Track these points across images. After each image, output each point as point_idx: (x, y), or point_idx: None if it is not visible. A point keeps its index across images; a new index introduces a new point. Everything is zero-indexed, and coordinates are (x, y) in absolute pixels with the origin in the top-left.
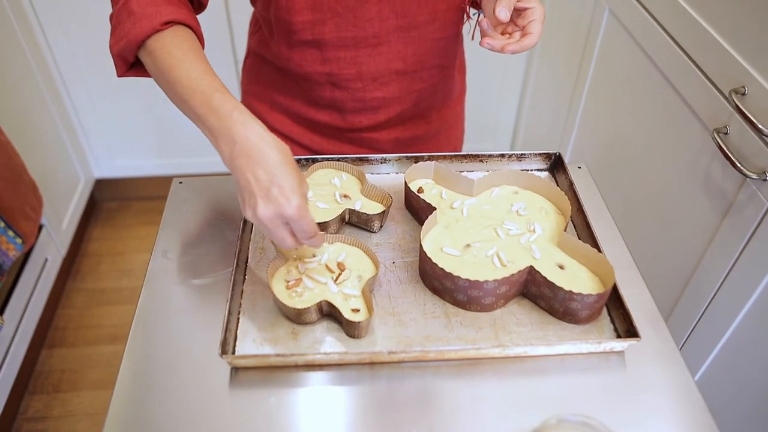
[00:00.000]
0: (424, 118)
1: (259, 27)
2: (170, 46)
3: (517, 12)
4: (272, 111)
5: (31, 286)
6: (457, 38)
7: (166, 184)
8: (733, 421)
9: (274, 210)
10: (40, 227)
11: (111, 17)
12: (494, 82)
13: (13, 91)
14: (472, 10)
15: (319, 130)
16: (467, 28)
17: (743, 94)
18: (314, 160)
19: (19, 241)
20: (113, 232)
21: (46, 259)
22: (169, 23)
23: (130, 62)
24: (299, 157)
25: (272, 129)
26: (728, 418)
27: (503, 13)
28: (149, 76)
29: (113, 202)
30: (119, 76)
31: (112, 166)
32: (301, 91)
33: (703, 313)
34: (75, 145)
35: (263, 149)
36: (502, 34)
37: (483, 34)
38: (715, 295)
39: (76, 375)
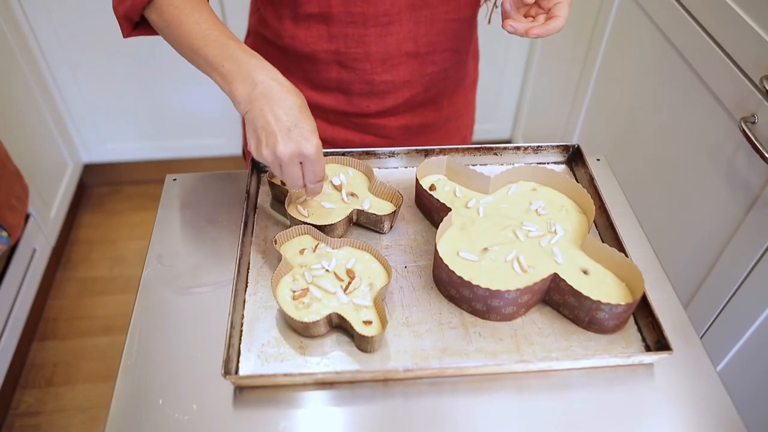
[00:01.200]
0: (435, 105)
1: (255, 2)
2: (178, 1)
3: None
4: None
5: (19, 277)
6: (472, 22)
7: (157, 168)
8: (750, 419)
9: (294, 148)
10: (27, 216)
11: None
12: (496, 60)
13: None
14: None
15: (325, 115)
16: (483, 12)
17: None
18: None
19: (4, 234)
20: (104, 218)
21: (35, 249)
22: None
23: (135, 22)
24: None
25: None
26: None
27: (514, 26)
28: (155, 34)
29: (103, 188)
30: (125, 37)
31: (101, 150)
32: (305, 73)
33: (720, 311)
34: (61, 129)
35: (283, 92)
36: (525, 16)
37: (505, 16)
38: (735, 292)
39: (69, 368)
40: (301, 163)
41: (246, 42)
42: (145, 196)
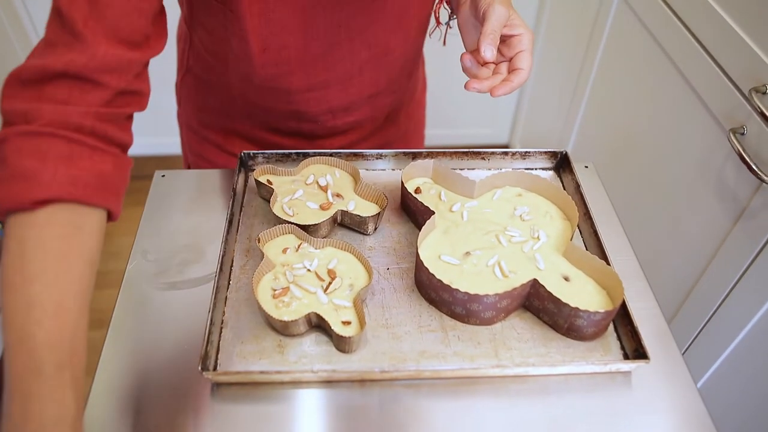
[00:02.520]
0: (394, 123)
1: (192, 47)
2: (27, 247)
3: (502, 39)
4: (226, 136)
5: None
6: (423, 44)
7: (152, 164)
8: (734, 428)
9: None
10: None
11: None
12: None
13: None
14: (442, 12)
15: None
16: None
17: (765, 93)
18: (305, 155)
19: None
20: None
21: None
22: (45, 202)
23: None
24: (290, 151)
25: (228, 153)
26: (727, 428)
27: (489, 53)
28: None
29: None
30: None
31: None
32: (261, 121)
33: (707, 322)
34: None
35: None
36: (483, 64)
37: (467, 73)
38: (721, 303)
39: None
40: None
41: (183, 82)
42: (139, 192)
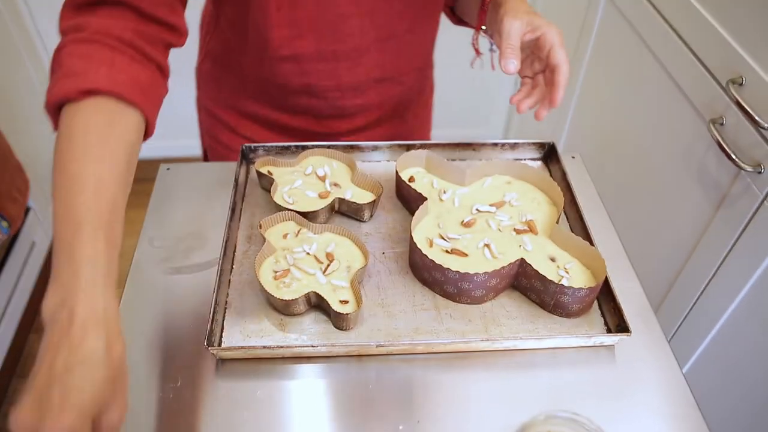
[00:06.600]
0: (402, 118)
1: (217, 27)
2: (74, 130)
3: (532, 44)
4: (240, 118)
5: (18, 269)
6: (434, 40)
7: (154, 167)
8: (721, 411)
9: (32, 422)
10: (27, 210)
11: None
12: (488, 66)
13: None
14: (483, 41)
15: (294, 134)
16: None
17: (741, 84)
18: (304, 147)
19: (5, 224)
20: None
21: (34, 242)
22: (90, 92)
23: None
24: (289, 144)
25: (241, 136)
26: (716, 408)
27: (512, 65)
28: None
29: None
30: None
31: None
32: (272, 99)
33: (693, 305)
34: None
35: (87, 339)
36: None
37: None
38: (706, 286)
39: None
40: None
41: (202, 67)
42: (141, 195)
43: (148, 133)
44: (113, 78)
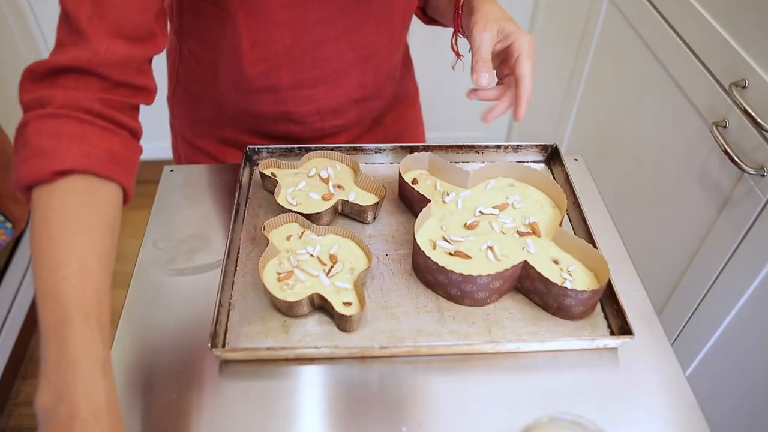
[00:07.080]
0: (381, 126)
1: (182, 58)
2: (51, 214)
3: (503, 53)
4: (219, 146)
5: (22, 270)
6: (406, 44)
7: (157, 169)
8: (724, 414)
9: None
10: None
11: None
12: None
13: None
14: (464, 41)
15: None
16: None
17: (744, 87)
18: (307, 149)
19: (9, 225)
20: None
21: None
22: (63, 173)
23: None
24: (293, 146)
25: (222, 162)
26: (719, 411)
27: (484, 79)
28: None
29: None
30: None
31: None
32: (251, 126)
33: (696, 308)
34: None
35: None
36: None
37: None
38: (709, 289)
39: None
40: None
41: (175, 94)
42: (144, 196)
43: (126, 200)
44: (86, 154)
